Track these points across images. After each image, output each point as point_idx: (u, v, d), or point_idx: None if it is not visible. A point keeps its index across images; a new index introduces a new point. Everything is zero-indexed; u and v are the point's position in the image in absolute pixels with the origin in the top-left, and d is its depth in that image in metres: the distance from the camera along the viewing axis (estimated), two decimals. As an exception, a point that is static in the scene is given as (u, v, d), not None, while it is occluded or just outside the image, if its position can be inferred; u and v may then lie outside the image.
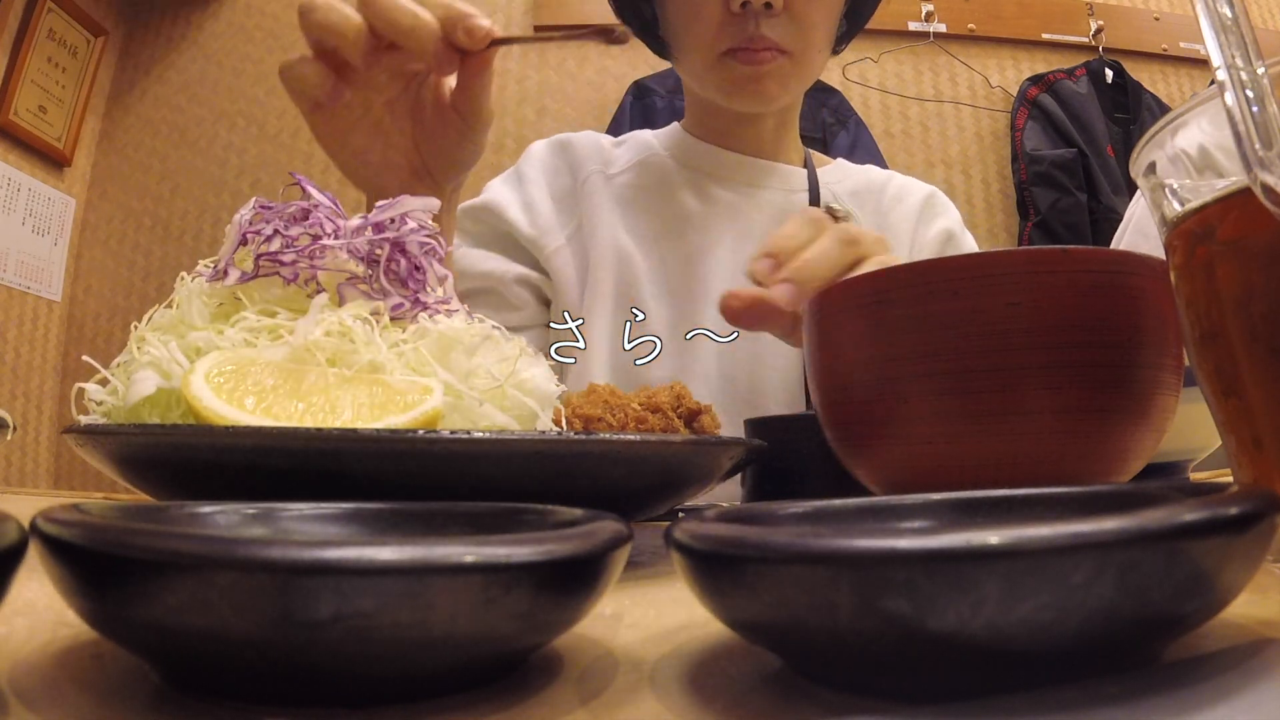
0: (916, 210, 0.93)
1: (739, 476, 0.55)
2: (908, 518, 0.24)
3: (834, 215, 0.65)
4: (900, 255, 0.89)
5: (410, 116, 0.65)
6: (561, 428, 0.41)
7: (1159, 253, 0.31)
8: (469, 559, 0.15)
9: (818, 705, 0.17)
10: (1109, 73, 2.30)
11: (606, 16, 0.90)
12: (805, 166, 0.95)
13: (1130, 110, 2.29)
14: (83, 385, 0.38)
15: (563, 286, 0.88)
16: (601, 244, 0.87)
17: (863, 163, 1.03)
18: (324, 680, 0.16)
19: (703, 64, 0.83)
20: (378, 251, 0.42)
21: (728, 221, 0.89)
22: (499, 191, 0.93)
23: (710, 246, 0.87)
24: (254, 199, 0.44)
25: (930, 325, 0.33)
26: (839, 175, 0.97)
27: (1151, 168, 0.28)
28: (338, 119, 0.62)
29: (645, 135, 0.97)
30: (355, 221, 0.43)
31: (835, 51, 0.91)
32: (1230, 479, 0.28)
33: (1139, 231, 1.12)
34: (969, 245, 0.94)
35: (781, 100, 0.86)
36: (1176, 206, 0.27)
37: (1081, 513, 0.22)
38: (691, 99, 0.96)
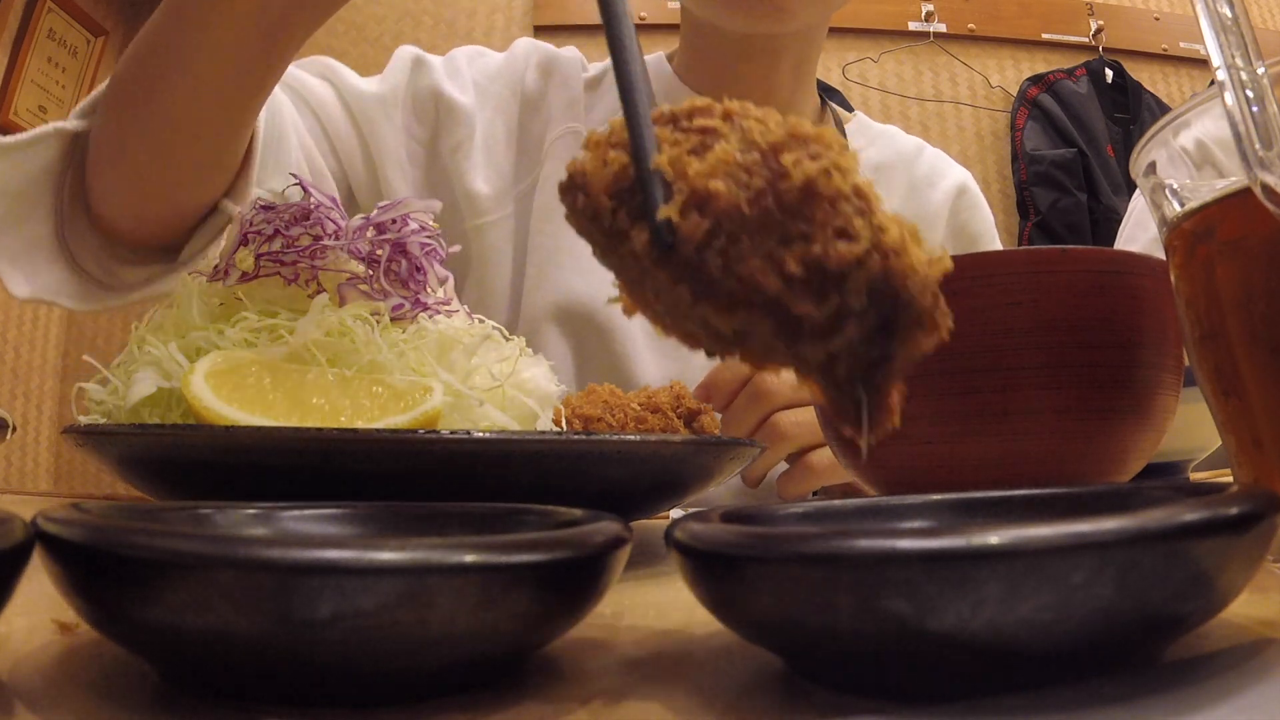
0: (949, 202, 0.83)
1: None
2: (908, 518, 0.24)
3: None
4: (934, 242, 0.84)
5: None
6: (561, 428, 0.41)
7: (1157, 245, 0.31)
8: (469, 559, 0.15)
9: (818, 705, 0.17)
10: (1109, 73, 2.30)
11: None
12: (827, 121, 0.78)
13: (1130, 110, 2.28)
14: (83, 385, 0.38)
15: (486, 260, 0.71)
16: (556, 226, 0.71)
17: None
18: (324, 680, 0.16)
19: None
20: (378, 252, 0.42)
21: None
22: (465, 103, 0.72)
23: None
24: (254, 199, 0.44)
25: (930, 325, 0.33)
26: (863, 140, 0.81)
27: (1152, 167, 0.28)
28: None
29: None
30: (356, 222, 0.43)
31: None
32: (1230, 479, 0.28)
33: (1139, 224, 1.12)
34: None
35: (807, 17, 0.66)
36: (1176, 206, 0.27)
37: (1081, 513, 0.22)
38: (688, 26, 0.76)
